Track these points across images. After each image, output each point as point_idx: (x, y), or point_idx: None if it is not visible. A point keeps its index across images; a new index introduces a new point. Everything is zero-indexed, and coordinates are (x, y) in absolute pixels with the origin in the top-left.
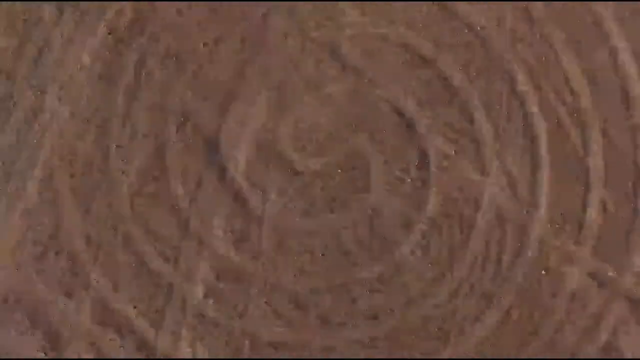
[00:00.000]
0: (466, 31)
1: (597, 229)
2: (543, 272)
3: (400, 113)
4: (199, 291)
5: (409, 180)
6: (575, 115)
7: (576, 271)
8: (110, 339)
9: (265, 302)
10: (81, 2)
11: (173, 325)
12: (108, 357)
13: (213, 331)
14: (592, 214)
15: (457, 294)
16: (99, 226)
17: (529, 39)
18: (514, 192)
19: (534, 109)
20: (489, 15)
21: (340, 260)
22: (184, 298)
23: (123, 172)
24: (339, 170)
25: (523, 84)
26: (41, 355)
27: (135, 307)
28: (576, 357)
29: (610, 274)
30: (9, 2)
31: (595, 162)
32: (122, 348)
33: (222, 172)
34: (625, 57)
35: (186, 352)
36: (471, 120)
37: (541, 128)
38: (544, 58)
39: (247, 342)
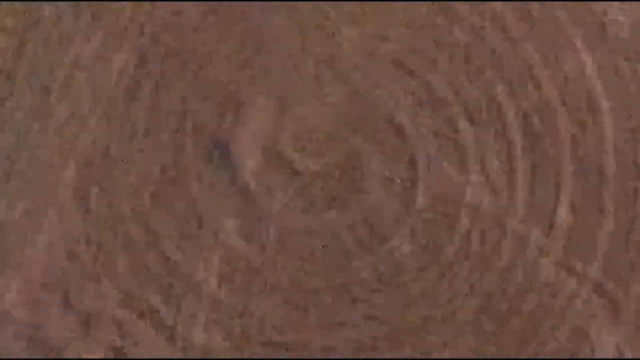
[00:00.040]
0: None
1: (566, 227)
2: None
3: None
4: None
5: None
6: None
7: (549, 262)
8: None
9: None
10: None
11: (191, 309)
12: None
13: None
14: (562, 213)
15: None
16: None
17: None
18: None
19: (511, 116)
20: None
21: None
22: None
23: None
24: (339, 171)
25: (501, 93)
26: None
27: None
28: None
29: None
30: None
31: (566, 165)
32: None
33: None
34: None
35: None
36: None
37: (517, 134)
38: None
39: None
